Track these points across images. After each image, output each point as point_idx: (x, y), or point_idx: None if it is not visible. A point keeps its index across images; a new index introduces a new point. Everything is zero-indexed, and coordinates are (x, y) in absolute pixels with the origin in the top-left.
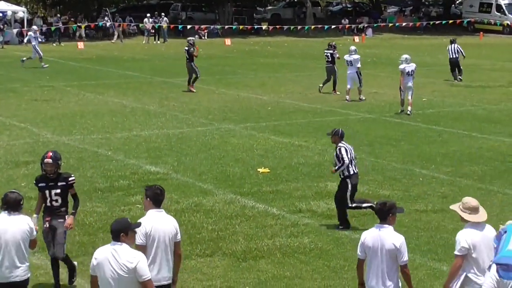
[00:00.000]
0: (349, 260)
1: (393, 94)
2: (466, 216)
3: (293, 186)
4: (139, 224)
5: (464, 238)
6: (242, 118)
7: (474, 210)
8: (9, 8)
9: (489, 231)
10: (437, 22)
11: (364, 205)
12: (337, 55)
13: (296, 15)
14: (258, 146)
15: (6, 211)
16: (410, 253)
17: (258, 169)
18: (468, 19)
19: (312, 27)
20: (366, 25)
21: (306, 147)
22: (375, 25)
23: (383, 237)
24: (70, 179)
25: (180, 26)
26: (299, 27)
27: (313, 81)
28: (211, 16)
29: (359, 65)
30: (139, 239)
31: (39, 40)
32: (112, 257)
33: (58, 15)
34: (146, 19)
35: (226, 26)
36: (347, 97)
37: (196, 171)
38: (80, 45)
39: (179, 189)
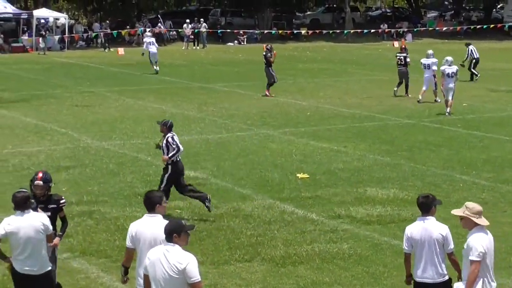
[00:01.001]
0: (389, 266)
1: (433, 98)
2: (477, 219)
3: (332, 191)
4: (192, 226)
5: (480, 242)
6: (281, 123)
7: (480, 214)
8: (51, 14)
9: (492, 237)
10: (477, 26)
11: (195, 194)
12: (409, 60)
13: (335, 20)
14: (297, 151)
15: (18, 211)
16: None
17: (297, 175)
18: (510, 24)
19: (351, 32)
20: (405, 30)
21: (345, 153)
22: (414, 29)
23: (428, 228)
24: (61, 201)
25: (219, 32)
26: (338, 32)
27: (351, 86)
28: (250, 21)
29: (435, 68)
30: (127, 241)
31: (152, 45)
32: (164, 257)
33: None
34: (185, 25)
35: (265, 31)
36: (420, 97)
37: (235, 176)
38: (121, 51)
39: (218, 194)
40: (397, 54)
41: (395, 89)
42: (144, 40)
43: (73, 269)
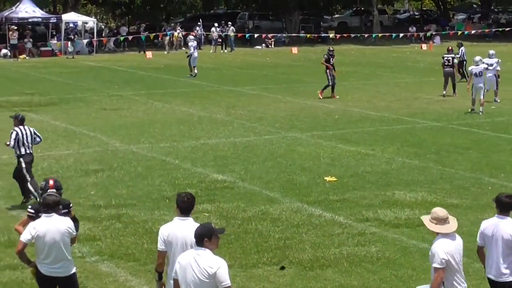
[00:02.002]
0: (417, 269)
1: (461, 101)
2: (432, 226)
3: (360, 194)
4: (223, 230)
5: (442, 249)
6: (309, 127)
7: (441, 220)
8: (79, 18)
9: (460, 241)
10: (506, 29)
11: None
12: (456, 61)
13: (363, 23)
14: (325, 154)
15: (47, 213)
16: (479, 263)
17: (325, 178)
18: None
19: (379, 35)
20: (434, 33)
21: (373, 156)
22: (443, 32)
23: (502, 227)
24: (70, 205)
25: (247, 35)
26: (366, 35)
27: (379, 89)
28: (278, 24)
29: (498, 68)
30: (160, 245)
31: (194, 48)
32: (194, 261)
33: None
34: (213, 28)
35: (293, 35)
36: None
37: (263, 180)
38: (149, 54)
39: (245, 197)
40: (444, 55)
41: (444, 92)
42: (190, 44)
43: (101, 272)
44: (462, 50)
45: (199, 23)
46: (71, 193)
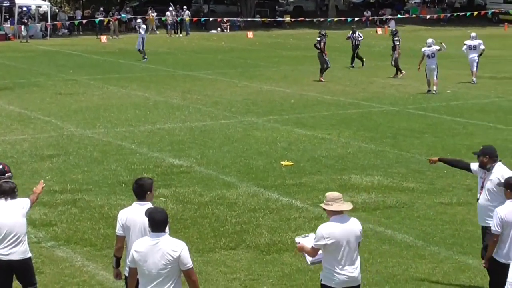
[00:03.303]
0: (373, 253)
1: (417, 86)
2: (328, 207)
3: (317, 178)
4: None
5: (320, 230)
6: (265, 111)
7: (335, 199)
8: (33, 2)
9: (355, 224)
10: (461, 13)
11: None
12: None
13: (319, 7)
14: (281, 139)
15: (3, 198)
16: (435, 246)
17: (282, 162)
18: (493, 10)
19: (335, 19)
20: (389, 17)
21: (329, 140)
22: (398, 16)
23: None
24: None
25: (202, 19)
26: (321, 19)
27: (335, 73)
28: (234, 9)
29: (482, 47)
30: (118, 230)
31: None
32: (156, 247)
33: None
34: (168, 12)
35: (249, 19)
36: (474, 79)
37: (220, 164)
38: (103, 38)
39: (202, 182)
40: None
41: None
42: (143, 26)
43: (58, 257)
44: (357, 35)
45: (170, 7)
46: (26, 178)
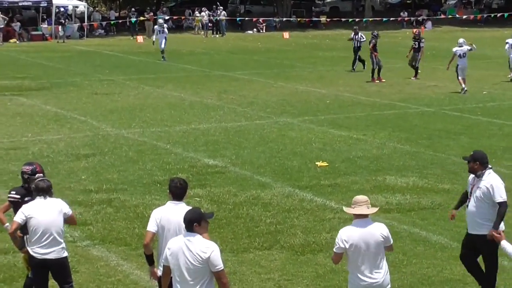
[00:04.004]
0: (408, 254)
1: (453, 87)
2: (349, 210)
3: (351, 179)
4: (211, 214)
5: (340, 235)
6: (301, 112)
7: (358, 203)
8: (70, 3)
9: (376, 228)
10: (498, 14)
11: None
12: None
13: (355, 8)
14: (317, 139)
15: (42, 197)
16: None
17: (316, 163)
18: None
19: (371, 19)
20: (425, 18)
21: (364, 141)
22: (434, 17)
23: None
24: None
25: (238, 20)
26: (357, 20)
27: (370, 74)
28: (270, 9)
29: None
30: (151, 227)
31: (162, 32)
32: (186, 247)
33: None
34: (203, 13)
35: (285, 19)
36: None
37: (254, 164)
38: (139, 39)
39: (237, 182)
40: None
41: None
42: (166, 26)
43: (93, 257)
44: (359, 36)
45: (203, 8)
46: (62, 177)
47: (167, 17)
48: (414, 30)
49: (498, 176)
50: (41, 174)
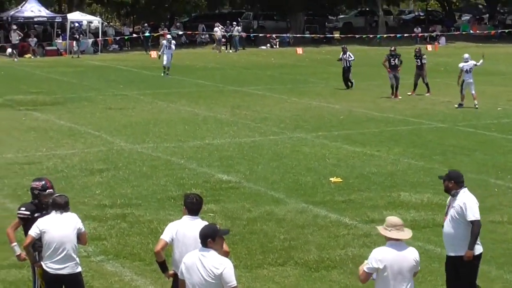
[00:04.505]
0: (423, 271)
1: (467, 103)
2: (387, 233)
3: (366, 195)
4: (227, 231)
5: (374, 255)
6: (314, 127)
7: (396, 227)
8: (85, 18)
9: (411, 253)
10: None
11: None
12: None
13: (368, 23)
14: (330, 155)
15: (58, 212)
16: (486, 265)
17: (330, 179)
18: None
19: (384, 35)
20: (439, 34)
21: (378, 157)
22: (448, 33)
23: None
24: None
25: (251, 35)
26: (371, 35)
27: (384, 90)
28: (283, 24)
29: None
30: (165, 236)
31: (167, 47)
32: (200, 262)
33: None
34: (216, 28)
35: (298, 35)
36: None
37: (268, 180)
38: (153, 54)
39: (251, 198)
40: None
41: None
42: (173, 42)
43: (107, 272)
44: (347, 55)
45: (216, 24)
46: (76, 192)
47: (180, 32)
48: (416, 47)
49: (473, 196)
50: (51, 190)
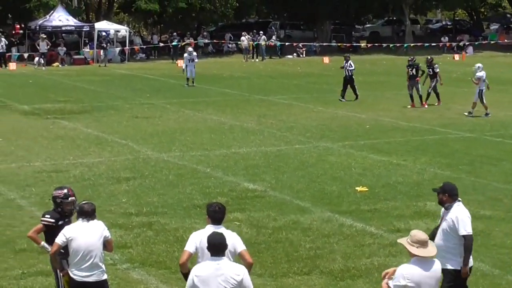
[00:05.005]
0: None
1: (495, 112)
2: (413, 250)
3: (392, 205)
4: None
5: (402, 272)
6: (340, 136)
7: (422, 243)
8: (112, 27)
9: (437, 267)
10: None
11: None
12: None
13: (395, 33)
14: (356, 164)
15: (85, 219)
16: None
17: (356, 188)
18: None
19: (411, 45)
20: (466, 43)
21: (404, 166)
22: (476, 43)
23: None
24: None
25: (278, 44)
26: (398, 45)
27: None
28: (309, 34)
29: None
30: (189, 247)
31: (189, 60)
32: (219, 271)
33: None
34: (242, 37)
35: (325, 44)
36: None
37: (294, 189)
38: (180, 63)
39: (276, 207)
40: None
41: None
42: (195, 54)
43: (133, 280)
44: (348, 64)
45: (243, 33)
46: (103, 200)
47: (207, 41)
48: (427, 56)
49: (466, 210)
50: (73, 198)
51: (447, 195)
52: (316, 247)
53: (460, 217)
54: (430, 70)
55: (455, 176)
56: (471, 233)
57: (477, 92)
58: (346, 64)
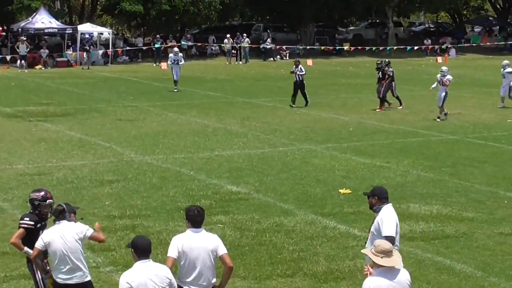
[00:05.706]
0: (432, 283)
1: (477, 115)
2: (378, 260)
3: None
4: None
5: (370, 286)
6: (324, 139)
7: (386, 253)
8: (95, 29)
9: (404, 277)
10: None
11: None
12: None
13: (378, 35)
14: (340, 166)
15: (58, 222)
16: (495, 277)
17: (340, 190)
18: None
19: (395, 47)
20: (449, 46)
21: (388, 168)
22: (458, 45)
23: None
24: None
25: (261, 47)
26: (381, 47)
27: (395, 101)
28: (293, 36)
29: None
30: (172, 253)
31: (174, 60)
32: (152, 272)
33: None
34: (225, 40)
35: (308, 47)
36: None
37: (278, 191)
38: (163, 65)
39: (260, 209)
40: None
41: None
42: (180, 55)
43: (116, 282)
44: (298, 68)
45: (228, 35)
46: (86, 203)
47: (190, 43)
48: (378, 60)
49: (394, 212)
50: (51, 200)
51: (376, 197)
52: (299, 249)
53: (385, 218)
54: (380, 73)
55: (438, 178)
56: (393, 236)
57: (444, 95)
58: (296, 69)
